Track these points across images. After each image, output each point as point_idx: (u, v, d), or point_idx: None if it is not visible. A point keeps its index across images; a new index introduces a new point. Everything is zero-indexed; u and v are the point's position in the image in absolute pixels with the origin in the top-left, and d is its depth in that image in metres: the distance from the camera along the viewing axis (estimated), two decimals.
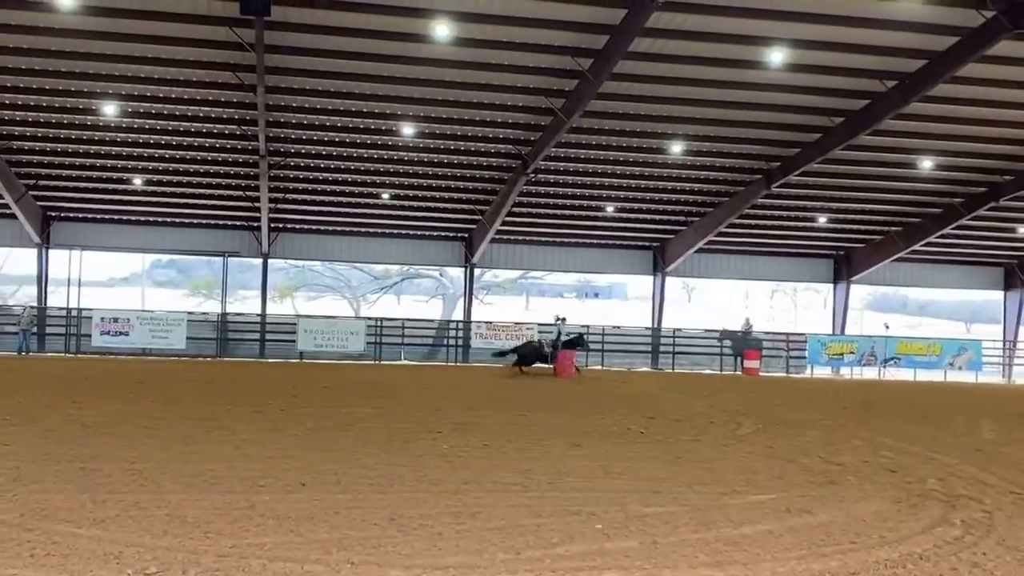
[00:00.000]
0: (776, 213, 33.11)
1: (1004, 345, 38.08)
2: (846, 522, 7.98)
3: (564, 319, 29.18)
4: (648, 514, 8.03)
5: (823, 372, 35.31)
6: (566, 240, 35.21)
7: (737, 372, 33.30)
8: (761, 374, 32.73)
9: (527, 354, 27.01)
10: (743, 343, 34.16)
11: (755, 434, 14.13)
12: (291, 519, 7.47)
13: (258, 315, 34.04)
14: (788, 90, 24.74)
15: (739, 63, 23.31)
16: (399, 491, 8.74)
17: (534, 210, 32.48)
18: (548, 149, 26.67)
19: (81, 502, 7.90)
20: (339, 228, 33.85)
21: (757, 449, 12.49)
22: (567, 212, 32.82)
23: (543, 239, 35.05)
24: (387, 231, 34.09)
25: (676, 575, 6.21)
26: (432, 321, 39.63)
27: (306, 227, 33.67)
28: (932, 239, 33.63)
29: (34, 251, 32.49)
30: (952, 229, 32.83)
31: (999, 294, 38.98)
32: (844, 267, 36.90)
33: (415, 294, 50.32)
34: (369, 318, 36.63)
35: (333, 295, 49.98)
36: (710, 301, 76.60)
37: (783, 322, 66.00)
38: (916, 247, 34.22)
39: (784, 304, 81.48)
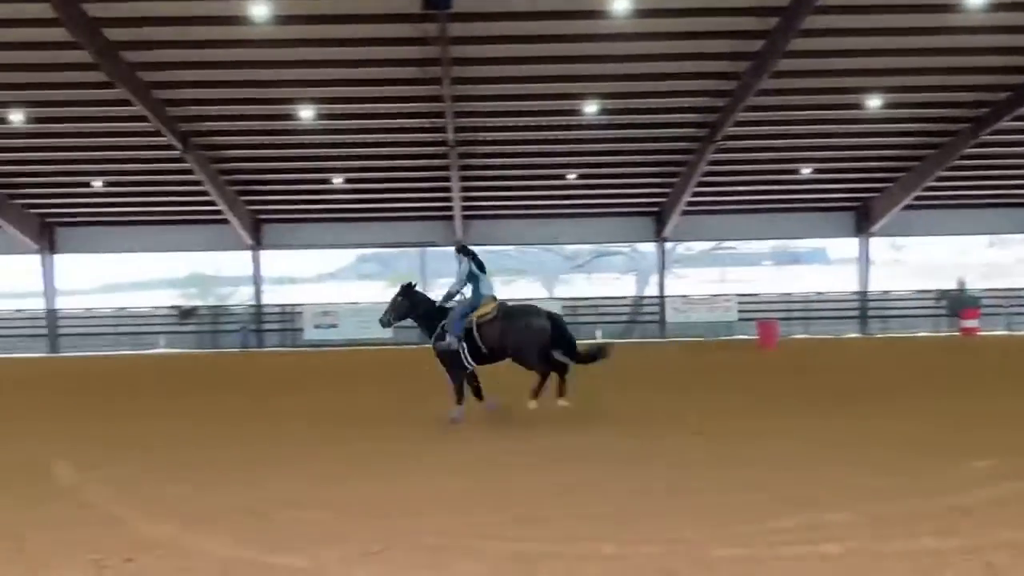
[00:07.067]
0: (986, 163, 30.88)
1: None
2: None
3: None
4: None
5: None
6: (760, 207, 34.04)
7: (954, 333, 31.39)
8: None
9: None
10: (959, 302, 32.24)
11: None
12: None
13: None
14: (992, 32, 23.06)
15: (936, 7, 21.94)
16: None
17: (725, 178, 31.56)
18: (736, 114, 25.94)
19: None
20: (529, 212, 33.87)
21: None
22: (760, 178, 31.79)
23: (736, 208, 34.04)
24: (576, 211, 33.94)
25: None
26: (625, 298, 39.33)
27: (497, 213, 33.90)
28: None
29: (248, 253, 34.44)
30: None
31: None
32: None
33: (606, 272, 50.09)
34: (563, 298, 36.66)
35: (527, 278, 50.38)
36: (920, 260, 72.48)
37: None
38: None
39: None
